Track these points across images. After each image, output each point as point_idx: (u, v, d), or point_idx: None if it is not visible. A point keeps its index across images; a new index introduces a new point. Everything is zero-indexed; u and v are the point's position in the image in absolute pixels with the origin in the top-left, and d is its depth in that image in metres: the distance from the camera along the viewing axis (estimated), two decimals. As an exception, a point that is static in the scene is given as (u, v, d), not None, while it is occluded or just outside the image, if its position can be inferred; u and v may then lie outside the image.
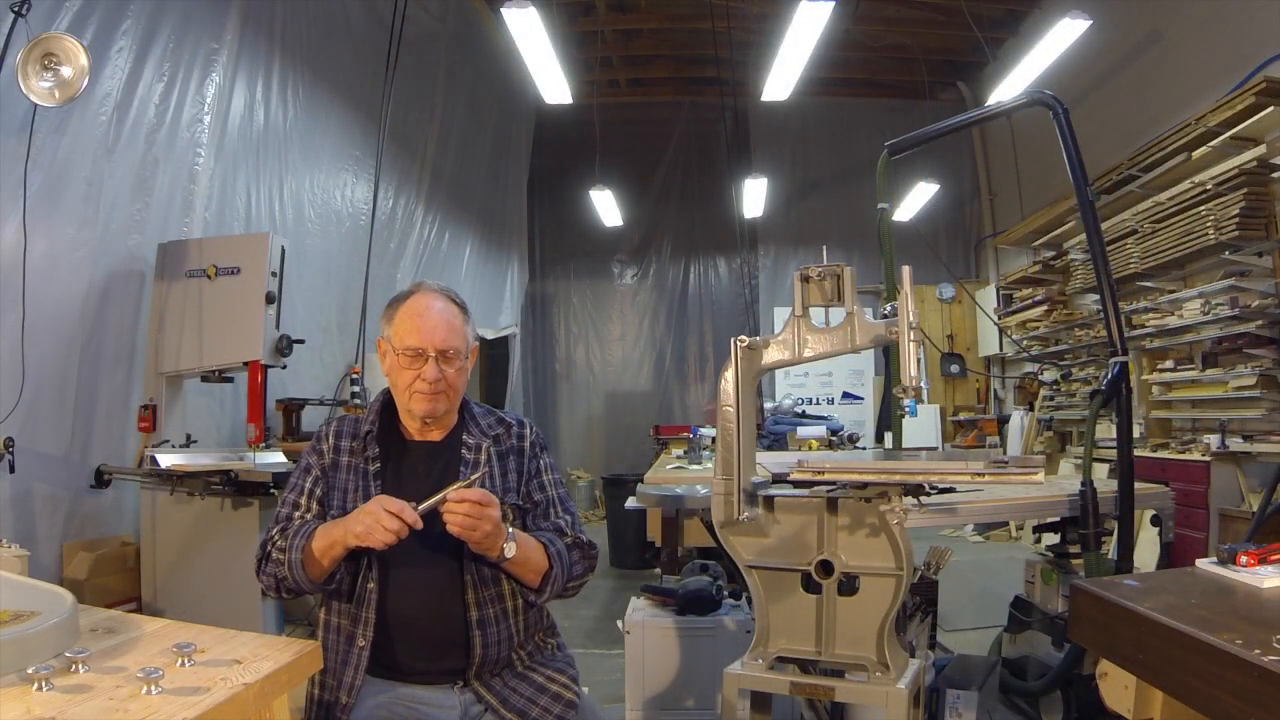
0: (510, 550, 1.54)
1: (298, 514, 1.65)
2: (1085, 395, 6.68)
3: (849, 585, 1.66)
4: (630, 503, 3.24)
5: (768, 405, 6.40)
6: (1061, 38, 5.51)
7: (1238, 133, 4.84)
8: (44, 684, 1.01)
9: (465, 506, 1.47)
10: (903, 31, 8.25)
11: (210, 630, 1.26)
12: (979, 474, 1.56)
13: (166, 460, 3.16)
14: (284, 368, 3.68)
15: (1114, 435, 2.70)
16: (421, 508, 1.48)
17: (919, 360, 1.55)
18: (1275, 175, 4.71)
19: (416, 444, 1.72)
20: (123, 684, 1.04)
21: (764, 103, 7.34)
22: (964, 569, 5.29)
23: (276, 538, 1.60)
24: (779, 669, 1.69)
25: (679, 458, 4.94)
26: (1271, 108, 4.56)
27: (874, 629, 1.62)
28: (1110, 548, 2.66)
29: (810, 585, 1.68)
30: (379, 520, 1.44)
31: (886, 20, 8.10)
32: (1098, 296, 4.08)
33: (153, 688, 1.01)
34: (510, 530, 1.56)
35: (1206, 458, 4.79)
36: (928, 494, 1.68)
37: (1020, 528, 6.82)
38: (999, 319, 8.14)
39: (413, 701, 1.57)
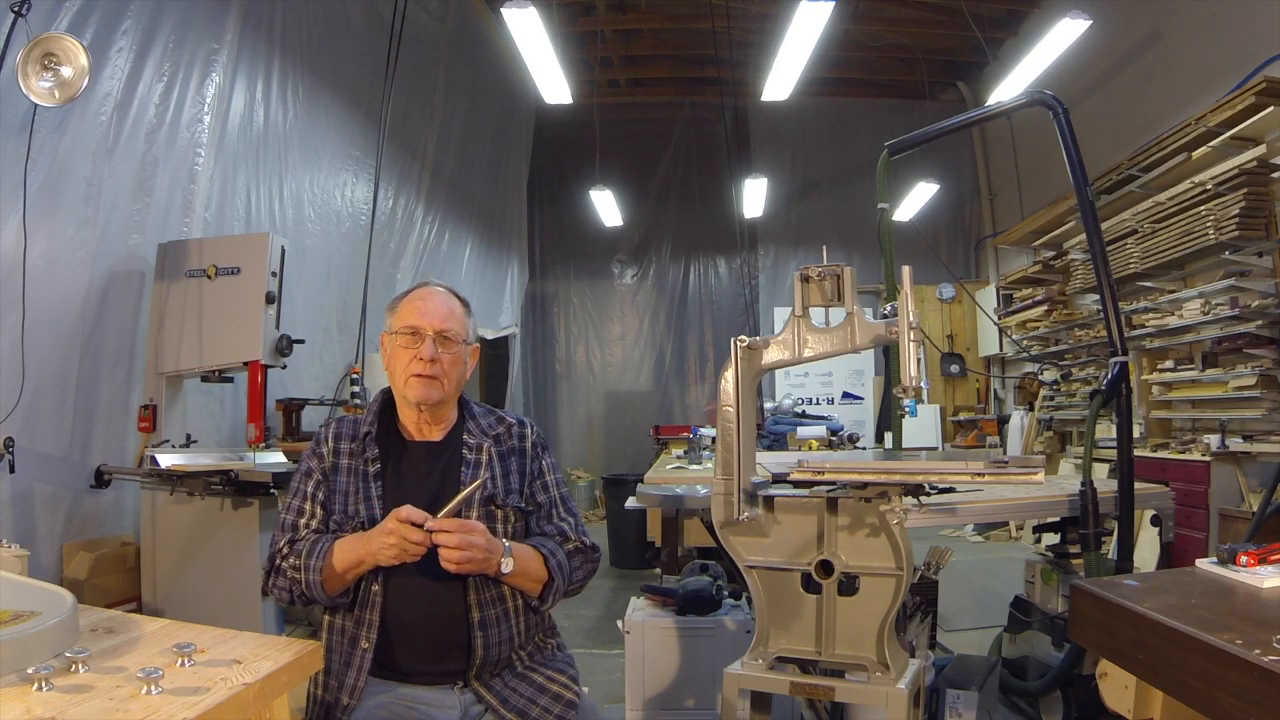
0: (507, 567, 1.55)
1: (303, 521, 1.65)
2: (1085, 395, 6.68)
3: (849, 585, 1.66)
4: (630, 503, 3.24)
5: (768, 405, 6.40)
6: (1061, 38, 5.51)
7: (1238, 133, 4.84)
8: (44, 684, 1.01)
9: (454, 539, 1.47)
10: (903, 31, 8.25)
11: (210, 630, 1.26)
12: (979, 474, 1.56)
13: (166, 460, 3.16)
14: (284, 368, 3.68)
15: (1114, 435, 2.70)
16: (441, 515, 1.50)
17: (919, 360, 1.56)
18: (1275, 175, 4.71)
19: (416, 444, 1.72)
20: (123, 684, 1.04)
21: (764, 103, 7.34)
22: (964, 569, 5.29)
23: (286, 550, 1.60)
24: (779, 669, 1.69)
25: (679, 458, 4.94)
26: (1271, 108, 4.56)
27: (874, 629, 1.62)
28: (1110, 548, 2.66)
29: (810, 585, 1.68)
30: (406, 536, 1.46)
31: (886, 20, 8.10)
32: (1098, 296, 4.08)
33: (153, 688, 1.01)
34: (507, 545, 1.57)
35: (1206, 458, 4.79)
36: (928, 494, 1.68)
37: (1020, 528, 6.82)
38: (999, 319, 8.14)
39: (413, 701, 1.57)
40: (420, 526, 1.48)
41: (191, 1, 3.95)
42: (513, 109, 8.72)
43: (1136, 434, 4.30)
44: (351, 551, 1.54)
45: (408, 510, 1.48)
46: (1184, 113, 5.36)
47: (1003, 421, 8.33)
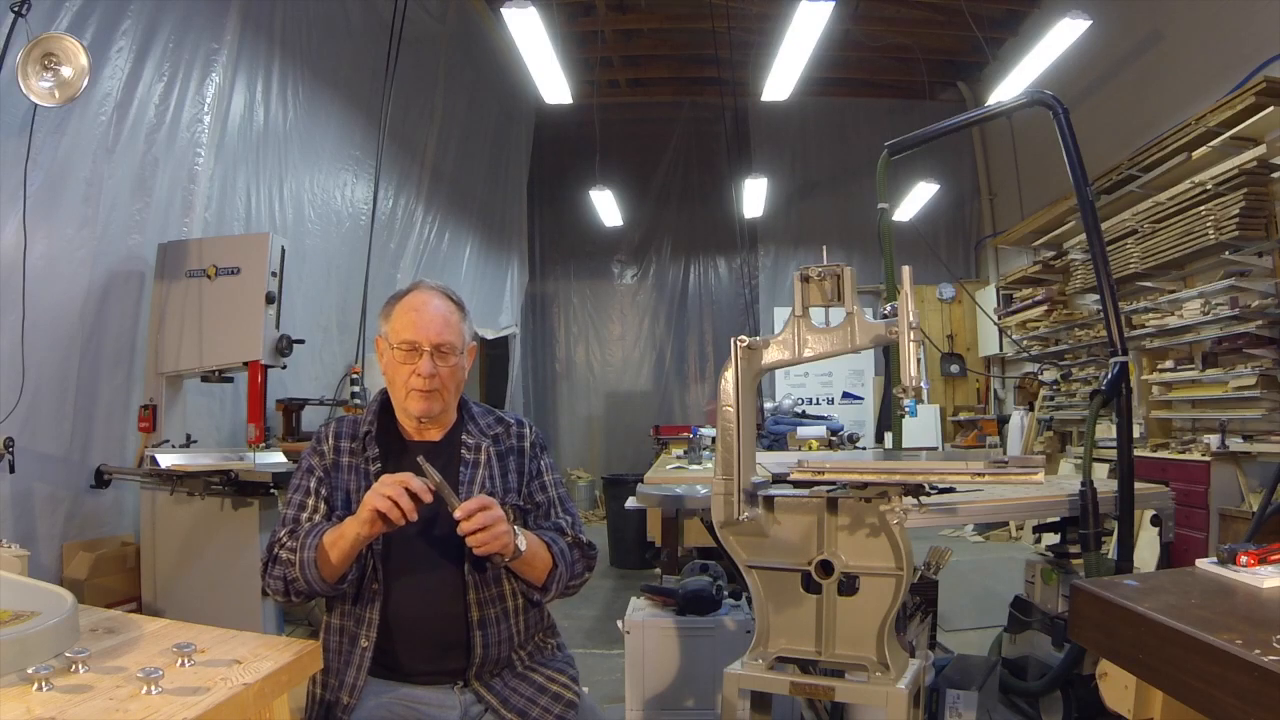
0: (523, 544, 1.55)
1: (304, 515, 1.64)
2: (1085, 395, 6.68)
3: (849, 585, 1.66)
4: (630, 503, 3.24)
5: (768, 405, 6.40)
6: (1061, 38, 5.51)
7: (1238, 133, 4.84)
8: (44, 684, 1.01)
9: (478, 519, 1.46)
10: (903, 31, 8.25)
11: (210, 630, 1.26)
12: (979, 474, 1.56)
13: (166, 460, 3.16)
14: (284, 368, 3.68)
15: (1114, 435, 2.70)
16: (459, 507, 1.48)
17: (919, 360, 1.55)
18: (1275, 175, 4.71)
19: (415, 444, 1.72)
20: (123, 684, 1.04)
21: (764, 103, 7.35)
22: (964, 569, 5.28)
23: (285, 539, 1.59)
24: (779, 669, 1.69)
25: (679, 458, 4.94)
26: (1271, 108, 4.56)
27: (874, 629, 1.62)
28: (1110, 548, 2.66)
29: (810, 585, 1.68)
30: (400, 497, 1.44)
31: (886, 20, 8.10)
32: (1098, 296, 4.08)
33: (153, 688, 1.01)
34: (515, 528, 1.57)
35: (1206, 458, 4.79)
36: (928, 494, 1.68)
37: (1020, 528, 6.82)
38: (999, 319, 8.14)
39: (413, 701, 1.57)
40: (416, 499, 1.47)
41: (191, 1, 3.95)
42: (513, 109, 8.72)
43: (1136, 434, 4.30)
44: (336, 528, 1.52)
45: (407, 476, 1.47)
46: (1184, 113, 5.36)
47: (1003, 421, 8.34)
